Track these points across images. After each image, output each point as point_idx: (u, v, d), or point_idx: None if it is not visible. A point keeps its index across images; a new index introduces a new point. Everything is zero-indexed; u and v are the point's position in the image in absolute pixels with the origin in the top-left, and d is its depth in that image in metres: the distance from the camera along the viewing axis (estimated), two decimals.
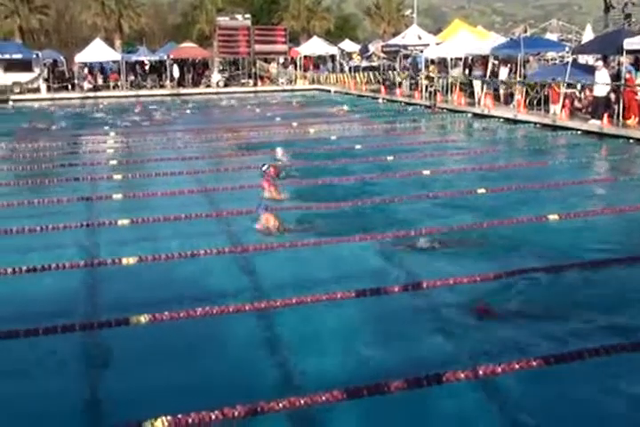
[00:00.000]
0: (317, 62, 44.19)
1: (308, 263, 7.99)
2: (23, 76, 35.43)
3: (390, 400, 4.94)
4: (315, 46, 42.93)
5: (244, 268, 7.87)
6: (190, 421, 4.67)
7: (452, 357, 5.67)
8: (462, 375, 5.15)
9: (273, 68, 40.86)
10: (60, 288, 7.29)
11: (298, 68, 41.28)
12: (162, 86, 37.82)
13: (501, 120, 21.61)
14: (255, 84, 38.96)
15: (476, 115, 22.89)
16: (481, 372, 5.18)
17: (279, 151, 14.62)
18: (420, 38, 32.77)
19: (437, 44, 30.77)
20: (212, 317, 6.37)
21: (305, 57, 42.43)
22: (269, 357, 5.82)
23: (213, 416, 4.73)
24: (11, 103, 32.77)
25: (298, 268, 7.86)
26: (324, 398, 4.92)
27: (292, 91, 37.35)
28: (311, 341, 6.09)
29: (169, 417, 4.63)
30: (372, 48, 40.14)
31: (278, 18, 56.77)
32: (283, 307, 6.58)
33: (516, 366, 5.25)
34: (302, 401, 4.90)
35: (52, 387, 5.38)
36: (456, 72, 28.23)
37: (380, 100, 30.25)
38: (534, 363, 5.29)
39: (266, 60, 42.02)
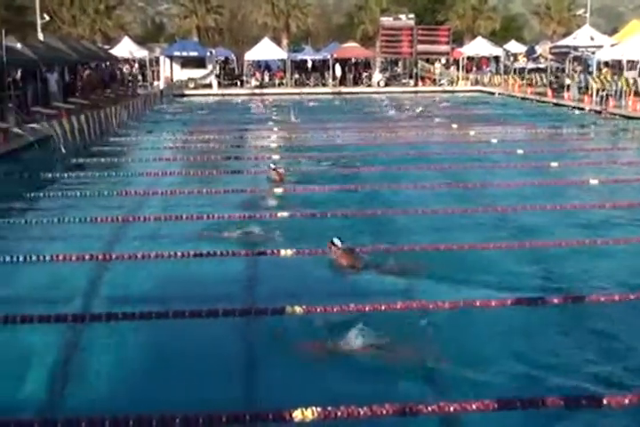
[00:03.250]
0: (480, 63, 43.17)
1: (463, 265, 7.84)
2: (197, 73, 37.68)
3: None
4: (478, 47, 41.95)
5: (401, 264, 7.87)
6: (339, 414, 4.74)
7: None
8: (626, 401, 4.83)
9: (436, 68, 40.41)
10: (223, 274, 7.69)
11: (460, 68, 40.54)
12: (324, 85, 38.67)
13: None
14: (416, 85, 38.74)
15: None
16: None
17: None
18: (592, 39, 31.03)
19: (612, 45, 28.96)
20: (364, 313, 6.42)
21: (468, 58, 41.61)
22: (419, 358, 5.76)
23: (362, 412, 4.78)
24: (268, 99, 33.59)
25: (453, 268, 7.73)
26: (474, 406, 4.81)
27: (453, 92, 36.75)
28: (469, 345, 5.96)
29: (319, 408, 4.72)
30: (539, 49, 38.54)
31: (443, 17, 56.04)
32: (435, 308, 6.51)
33: None
34: (452, 407, 4.82)
35: (208, 368, 5.62)
36: (631, 75, 26.40)
37: (525, 101, 29.03)
38: None
39: (428, 61, 41.65)
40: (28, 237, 9.33)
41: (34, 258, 7.88)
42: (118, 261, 8.04)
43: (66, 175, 13.35)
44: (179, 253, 8.01)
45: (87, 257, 8.01)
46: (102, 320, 6.32)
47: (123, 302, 6.86)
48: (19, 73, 22.76)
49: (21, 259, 7.88)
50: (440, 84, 39.07)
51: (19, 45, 21.88)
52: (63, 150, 15.44)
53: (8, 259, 7.87)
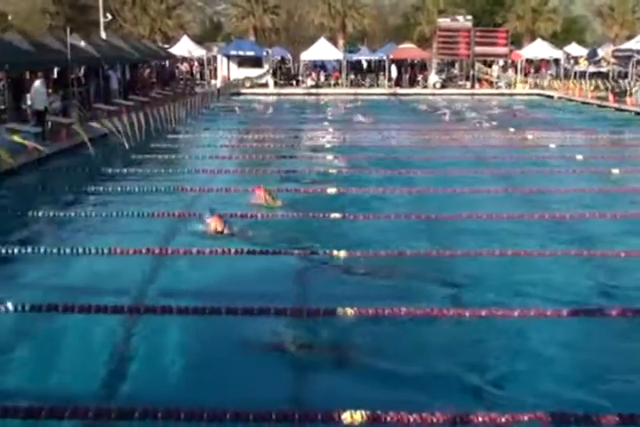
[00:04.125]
0: (539, 66, 42.36)
1: (518, 272, 7.71)
2: (253, 72, 38.01)
3: None
4: (538, 49, 41.18)
5: (453, 270, 7.79)
6: (388, 419, 4.72)
7: None
8: None
9: (494, 70, 39.82)
10: (275, 272, 7.74)
11: (518, 71, 39.86)
12: (379, 85, 38.57)
13: None
14: (472, 87, 38.28)
15: None
16: None
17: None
18: None
19: None
20: (415, 317, 6.38)
21: (527, 60, 40.88)
22: (469, 365, 5.68)
23: (411, 418, 4.74)
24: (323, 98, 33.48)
25: (508, 275, 7.61)
26: (526, 418, 4.72)
27: (511, 95, 36.12)
28: (522, 355, 5.86)
29: (368, 412, 4.71)
30: (601, 52, 37.60)
31: (501, 19, 55.15)
32: (488, 316, 6.42)
33: None
34: (504, 418, 4.74)
35: (257, 365, 5.65)
36: None
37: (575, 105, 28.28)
38: None
39: (485, 63, 41.08)
40: (88, 230, 9.59)
41: (92, 250, 8.09)
42: (174, 256, 8.17)
43: (125, 170, 13.65)
44: (232, 250, 8.10)
45: (144, 251, 8.17)
46: (157, 313, 6.44)
47: (177, 296, 6.97)
48: (82, 70, 23.38)
49: (80, 251, 8.10)
50: (497, 87, 38.48)
51: (82, 43, 22.47)
52: (123, 146, 15.78)
53: (68, 250, 8.10)
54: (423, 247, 8.50)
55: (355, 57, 40.98)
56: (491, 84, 39.14)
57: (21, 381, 5.42)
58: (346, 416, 4.69)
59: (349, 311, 6.34)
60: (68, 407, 4.66)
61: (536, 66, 42.00)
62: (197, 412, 4.66)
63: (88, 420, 4.65)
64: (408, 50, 40.53)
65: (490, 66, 40.48)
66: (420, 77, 39.40)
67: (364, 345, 6.00)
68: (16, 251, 8.16)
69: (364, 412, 4.69)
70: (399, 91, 36.88)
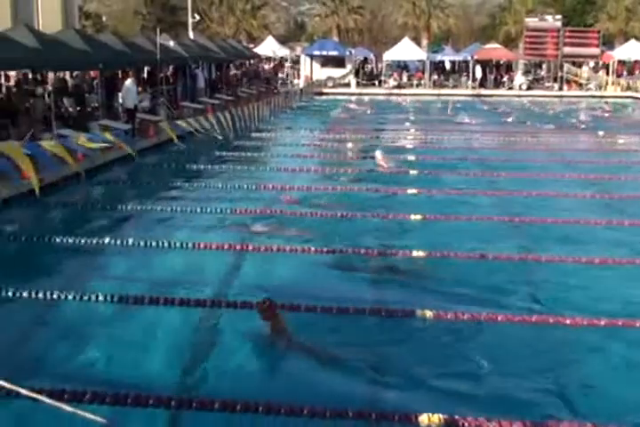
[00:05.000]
0: (632, 68, 40.63)
1: (607, 281, 7.44)
2: (336, 72, 38.17)
3: None
4: (631, 50, 39.46)
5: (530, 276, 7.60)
6: (466, 424, 4.65)
7: None
8: None
9: (584, 71, 38.46)
10: (354, 271, 7.75)
11: (610, 73, 38.35)
12: (463, 86, 37.93)
13: None
14: (560, 89, 37.13)
15: None
16: None
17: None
18: None
19: None
20: (495, 323, 6.26)
21: (619, 62, 39.28)
22: (545, 375, 5.53)
23: (490, 425, 4.66)
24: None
25: (595, 284, 7.35)
26: None
27: (602, 97, 34.80)
28: (608, 366, 5.66)
29: (446, 416, 4.66)
30: None
31: (592, 19, 53.26)
32: (572, 325, 6.23)
33: None
34: None
35: (331, 364, 5.66)
36: None
37: None
38: None
39: (574, 64, 39.75)
40: (172, 225, 9.86)
41: (177, 244, 8.33)
42: (255, 252, 8.30)
43: (209, 167, 13.99)
44: (311, 249, 8.16)
45: (226, 246, 8.35)
46: (237, 308, 6.56)
47: (256, 292, 7.07)
48: (170, 69, 24.06)
49: (166, 245, 8.35)
50: (587, 89, 37.18)
51: (171, 43, 23.15)
52: (208, 144, 16.16)
53: (154, 244, 8.37)
54: (505, 251, 8.31)
55: (438, 57, 40.50)
56: (580, 85, 37.86)
57: (108, 368, 5.63)
58: (423, 419, 4.66)
59: (428, 314, 6.30)
60: (152, 396, 4.82)
61: (629, 67, 40.32)
62: (275, 407, 4.73)
63: (171, 409, 4.80)
64: (493, 50, 39.72)
65: (579, 67, 39.18)
66: (505, 78, 38.54)
67: (441, 348, 5.95)
68: (105, 242, 8.51)
69: (441, 415, 4.65)
70: (483, 92, 36.20)
